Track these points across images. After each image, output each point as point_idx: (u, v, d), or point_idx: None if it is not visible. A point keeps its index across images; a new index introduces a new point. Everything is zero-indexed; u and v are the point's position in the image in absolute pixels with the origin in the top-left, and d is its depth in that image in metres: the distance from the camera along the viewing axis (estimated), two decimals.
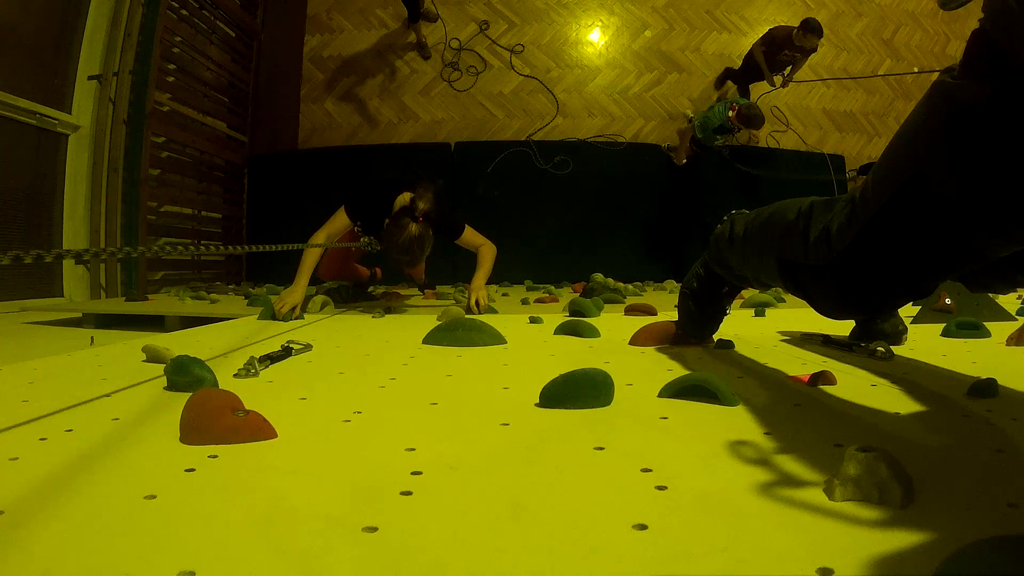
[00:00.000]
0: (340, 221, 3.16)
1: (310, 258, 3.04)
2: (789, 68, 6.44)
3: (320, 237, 3.10)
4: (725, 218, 1.71)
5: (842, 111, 7.33)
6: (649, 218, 6.68)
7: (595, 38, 7.05)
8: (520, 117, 6.89)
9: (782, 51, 6.21)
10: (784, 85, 6.58)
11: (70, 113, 4.96)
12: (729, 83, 7.04)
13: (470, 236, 3.35)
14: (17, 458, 0.85)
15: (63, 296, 4.93)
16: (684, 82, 7.06)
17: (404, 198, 3.07)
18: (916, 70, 7.28)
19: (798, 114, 7.22)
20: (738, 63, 6.78)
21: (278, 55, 7.14)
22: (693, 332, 1.90)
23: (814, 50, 6.19)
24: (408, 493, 0.73)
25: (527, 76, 6.95)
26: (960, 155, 0.85)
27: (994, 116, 0.80)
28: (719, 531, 0.62)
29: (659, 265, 6.48)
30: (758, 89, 6.82)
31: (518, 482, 0.78)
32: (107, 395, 1.27)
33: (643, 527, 0.63)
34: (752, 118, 5.89)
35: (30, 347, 2.58)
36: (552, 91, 6.93)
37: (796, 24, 6.06)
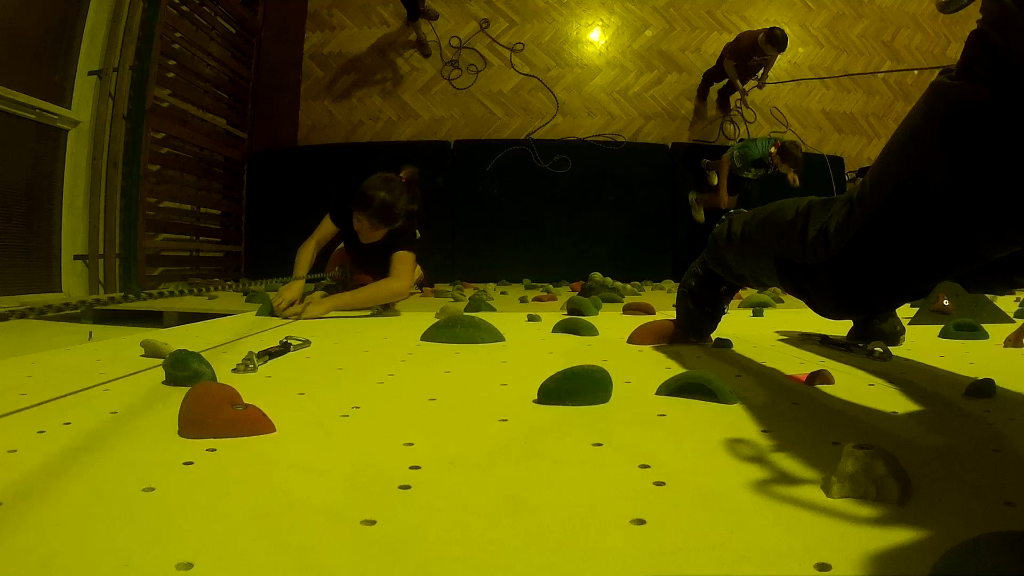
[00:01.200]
0: (327, 227, 3.20)
1: (304, 256, 3.08)
2: (762, 71, 6.45)
3: (310, 243, 3.16)
4: (723, 217, 1.72)
5: (842, 112, 7.33)
6: (648, 218, 6.68)
7: (595, 37, 7.05)
8: (520, 116, 6.89)
9: (751, 57, 6.21)
10: (760, 87, 6.59)
11: (70, 108, 4.95)
12: (713, 87, 7.05)
13: (402, 260, 3.03)
14: (16, 450, 0.86)
15: (62, 291, 4.92)
16: (684, 82, 7.06)
17: None
18: (916, 72, 7.29)
19: (798, 115, 7.22)
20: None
21: (279, 52, 7.13)
22: (691, 331, 1.90)
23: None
24: (407, 487, 0.73)
25: (527, 75, 6.94)
26: (958, 156, 0.85)
27: (992, 117, 0.80)
28: (717, 527, 0.63)
29: (658, 265, 6.48)
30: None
31: (516, 477, 0.78)
32: (105, 388, 1.27)
33: (641, 522, 0.63)
34: (797, 159, 5.84)
35: (28, 341, 2.58)
36: (552, 90, 6.93)
37: (786, 28, 6.07)
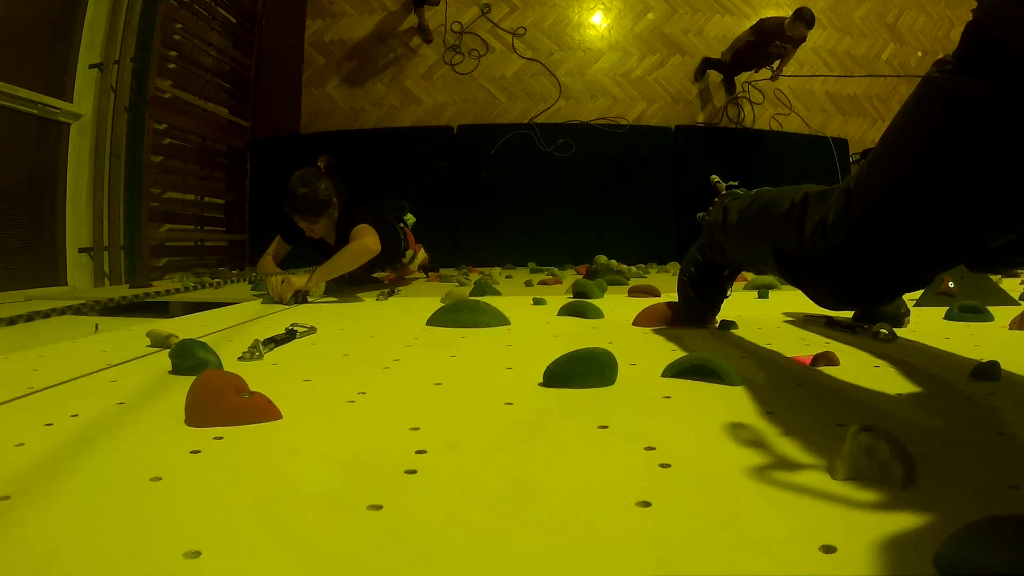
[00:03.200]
0: (279, 246, 3.43)
1: (268, 263, 3.32)
2: (778, 62, 6.43)
3: (267, 256, 3.37)
4: (716, 200, 1.72)
5: (845, 94, 7.30)
6: (652, 200, 6.67)
7: (597, 21, 7.02)
8: (522, 100, 6.87)
9: (772, 42, 6.17)
10: (773, 79, 6.57)
11: (71, 102, 4.94)
12: (710, 73, 7.03)
13: (360, 229, 3.10)
14: (23, 444, 0.86)
15: (67, 285, 4.93)
16: (687, 65, 7.02)
17: None
18: (920, 54, 7.26)
19: (801, 97, 7.19)
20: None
21: (279, 40, 7.11)
22: (694, 317, 1.90)
23: (803, 40, 6.15)
24: (412, 472, 0.74)
25: (529, 59, 6.92)
26: (956, 150, 0.84)
27: (991, 110, 0.79)
28: (723, 508, 0.63)
29: (662, 247, 6.47)
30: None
31: (521, 460, 0.78)
32: (112, 379, 1.27)
33: (646, 504, 0.63)
34: None
35: (34, 335, 2.58)
36: (555, 74, 6.91)
37: (787, 15, 6.04)
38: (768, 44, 6.19)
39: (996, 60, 0.78)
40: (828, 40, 7.16)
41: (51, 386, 1.21)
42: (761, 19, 6.33)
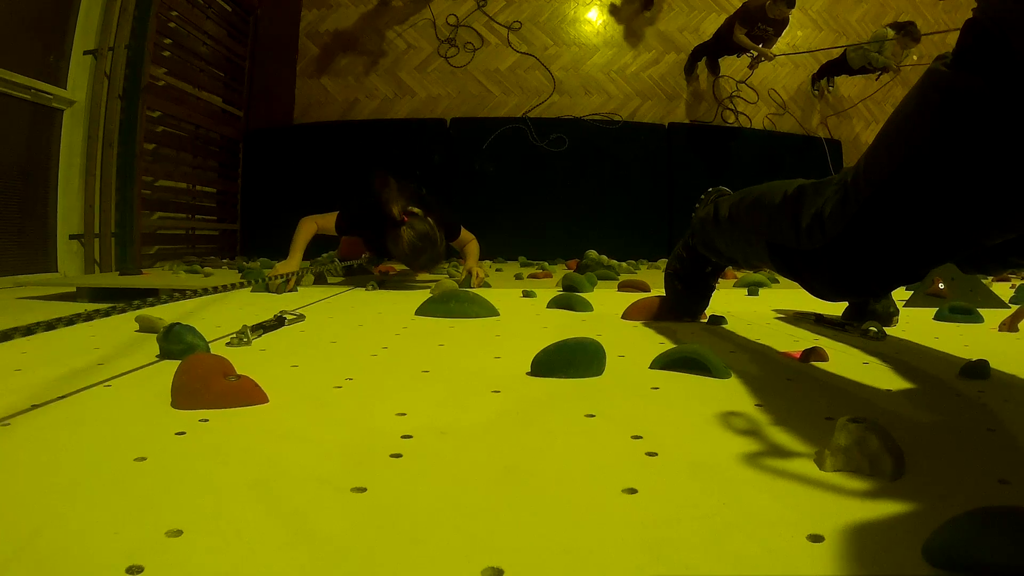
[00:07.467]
0: (329, 221, 3.19)
1: (302, 236, 3.08)
2: (761, 45, 6.41)
3: (312, 226, 3.15)
4: (703, 197, 1.72)
5: (840, 96, 7.31)
6: (644, 197, 6.67)
7: (593, 16, 7.02)
8: (517, 94, 6.86)
9: (756, 25, 6.16)
10: (752, 66, 6.56)
11: (65, 88, 4.91)
12: (701, 68, 7.03)
13: (463, 235, 3.56)
14: (9, 423, 0.85)
15: (57, 271, 4.91)
16: (682, 62, 7.02)
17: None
18: (915, 57, 7.26)
19: (796, 98, 7.20)
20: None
21: (274, 29, 7.09)
22: (683, 310, 1.90)
23: (786, 22, 6.13)
24: (398, 456, 0.73)
25: (524, 53, 6.91)
26: (952, 146, 0.84)
27: (987, 107, 0.79)
28: (709, 497, 0.63)
29: (653, 243, 6.47)
30: (728, 64, 6.91)
31: (509, 446, 0.78)
32: (100, 363, 1.27)
33: (633, 491, 0.63)
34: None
35: (24, 321, 2.57)
36: (549, 69, 6.90)
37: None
38: (751, 28, 6.17)
39: (994, 57, 0.78)
40: (824, 42, 7.16)
41: (40, 369, 1.20)
42: (744, 3, 6.30)
